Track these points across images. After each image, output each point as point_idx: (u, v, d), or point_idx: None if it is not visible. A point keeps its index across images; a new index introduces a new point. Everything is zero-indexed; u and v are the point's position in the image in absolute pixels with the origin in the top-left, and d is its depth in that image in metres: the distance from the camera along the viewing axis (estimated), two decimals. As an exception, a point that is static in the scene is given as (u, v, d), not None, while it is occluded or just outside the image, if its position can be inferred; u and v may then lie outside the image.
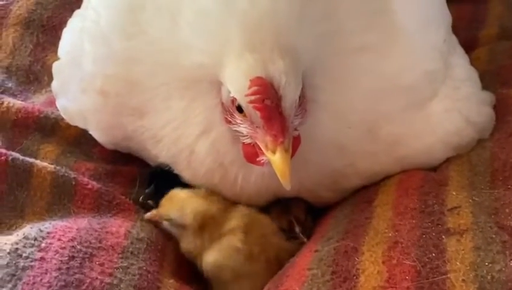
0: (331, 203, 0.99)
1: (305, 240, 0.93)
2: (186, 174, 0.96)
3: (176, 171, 0.98)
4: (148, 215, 0.95)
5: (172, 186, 0.97)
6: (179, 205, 0.94)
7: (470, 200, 0.85)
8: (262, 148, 0.82)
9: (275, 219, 0.96)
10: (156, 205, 0.97)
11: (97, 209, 0.94)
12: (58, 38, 1.18)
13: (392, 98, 0.91)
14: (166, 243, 0.93)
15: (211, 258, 0.91)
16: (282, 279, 0.84)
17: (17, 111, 1.05)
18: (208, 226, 0.93)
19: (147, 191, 1.01)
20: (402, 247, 0.79)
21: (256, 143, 0.84)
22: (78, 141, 1.08)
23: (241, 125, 0.84)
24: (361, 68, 0.89)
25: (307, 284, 0.79)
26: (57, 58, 1.16)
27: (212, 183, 0.94)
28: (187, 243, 0.94)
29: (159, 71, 0.90)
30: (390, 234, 0.82)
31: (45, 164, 0.95)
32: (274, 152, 0.79)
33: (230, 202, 0.96)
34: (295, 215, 0.96)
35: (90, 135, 1.06)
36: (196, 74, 0.87)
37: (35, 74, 1.18)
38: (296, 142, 0.84)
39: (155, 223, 0.95)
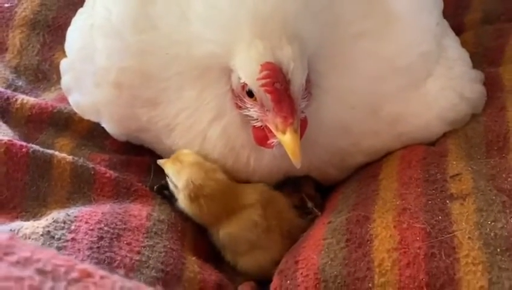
0: (337, 181, 1.05)
1: (319, 213, 0.98)
2: None
3: None
4: (160, 161, 1.01)
5: None
6: (177, 166, 0.97)
7: (469, 168, 0.91)
8: (273, 130, 0.87)
9: (288, 197, 1.01)
10: (171, 194, 1.01)
11: (116, 196, 0.98)
12: (64, 37, 1.21)
13: (391, 79, 0.98)
14: (184, 224, 0.97)
15: (230, 229, 0.95)
16: (299, 250, 0.89)
17: (31, 107, 1.08)
18: (199, 197, 0.95)
19: (163, 182, 1.04)
20: (410, 212, 0.84)
21: (266, 126, 0.89)
22: (91, 134, 1.11)
23: (251, 109, 0.89)
24: (360, 53, 0.95)
25: (324, 252, 0.84)
26: (64, 57, 1.20)
27: (225, 167, 0.98)
28: (183, 207, 0.96)
29: (171, 62, 0.95)
30: (397, 202, 0.88)
31: (64, 154, 0.98)
32: (284, 133, 0.85)
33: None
34: (306, 192, 1.02)
35: (102, 128, 1.10)
36: (207, 63, 0.92)
37: (44, 73, 1.22)
38: (304, 124, 0.90)
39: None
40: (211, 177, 0.95)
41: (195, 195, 0.94)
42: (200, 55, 0.91)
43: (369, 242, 0.82)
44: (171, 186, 0.99)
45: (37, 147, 0.97)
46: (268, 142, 0.90)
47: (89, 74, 1.04)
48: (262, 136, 0.91)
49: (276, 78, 0.83)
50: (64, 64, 1.12)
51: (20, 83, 1.18)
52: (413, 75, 0.99)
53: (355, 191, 0.97)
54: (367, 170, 1.01)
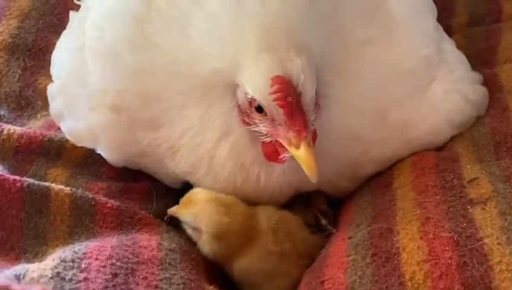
0: (347, 193, 1.02)
1: (333, 230, 0.95)
2: (206, 181, 0.96)
3: (193, 182, 0.98)
4: (170, 210, 0.95)
5: None
6: (193, 209, 0.92)
7: (484, 172, 0.90)
8: (285, 145, 0.84)
9: (299, 215, 0.98)
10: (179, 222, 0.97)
11: (120, 227, 0.92)
12: (46, 61, 1.15)
13: (397, 84, 0.97)
14: (196, 252, 0.92)
15: (243, 264, 0.91)
16: (322, 270, 0.85)
17: (19, 137, 1.01)
18: (226, 234, 0.92)
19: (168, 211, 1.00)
20: (434, 221, 0.83)
21: (276, 141, 0.86)
22: (86, 162, 1.05)
23: (260, 125, 0.86)
24: (365, 60, 0.94)
25: (350, 270, 0.81)
26: (49, 82, 1.14)
27: (234, 186, 0.94)
28: (205, 247, 0.92)
29: (173, 82, 0.90)
30: (418, 212, 0.86)
31: (61, 186, 0.92)
32: (298, 147, 0.82)
33: (249, 205, 0.97)
34: (318, 207, 0.99)
35: (96, 155, 1.04)
36: (211, 80, 0.88)
37: (28, 100, 1.14)
38: (314, 136, 0.87)
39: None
40: (235, 211, 0.92)
41: (222, 233, 0.90)
42: (204, 72, 0.87)
43: (396, 256, 0.80)
44: (189, 231, 0.93)
45: (31, 180, 0.90)
46: (280, 157, 0.87)
47: (82, 98, 0.98)
48: (272, 152, 0.88)
49: (288, 92, 0.80)
50: (52, 89, 1.06)
51: (2, 112, 1.10)
52: (417, 79, 0.98)
53: (370, 203, 0.94)
54: (379, 180, 0.98)
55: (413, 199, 0.89)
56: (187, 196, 0.95)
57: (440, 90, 1.00)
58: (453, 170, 0.92)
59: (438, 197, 0.87)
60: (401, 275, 0.77)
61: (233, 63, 0.84)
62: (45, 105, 1.12)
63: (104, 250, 0.81)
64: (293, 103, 0.81)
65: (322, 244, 0.94)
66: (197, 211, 0.92)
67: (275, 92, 0.80)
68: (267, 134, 0.87)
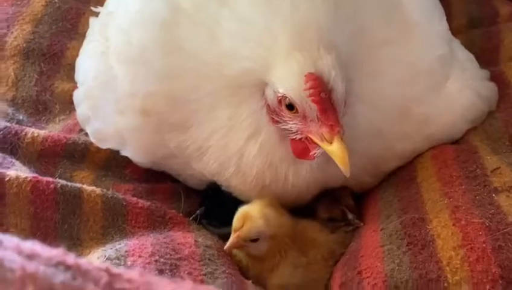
0: (370, 188, 1.05)
1: (361, 224, 0.97)
2: (234, 181, 0.97)
3: (220, 182, 0.99)
4: (228, 246, 0.89)
5: (222, 206, 0.98)
6: (261, 217, 0.91)
7: (504, 161, 0.95)
8: (317, 141, 0.86)
9: (326, 211, 1.00)
10: (209, 224, 0.98)
11: (152, 226, 0.92)
12: (61, 65, 1.15)
13: (416, 82, 1.00)
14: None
15: (276, 281, 0.92)
16: (358, 260, 0.87)
17: (43, 140, 1.00)
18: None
19: (198, 211, 1.00)
20: (464, 209, 0.86)
21: (306, 138, 0.88)
22: (109, 164, 1.05)
23: (290, 122, 0.88)
24: (385, 60, 0.97)
25: (387, 259, 0.84)
26: (65, 86, 1.13)
27: (263, 185, 0.96)
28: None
29: (201, 83, 0.92)
30: (446, 201, 0.89)
31: (92, 187, 0.92)
32: (331, 142, 0.84)
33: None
34: (345, 203, 1.01)
35: (120, 157, 1.04)
36: (240, 81, 0.90)
37: (45, 104, 1.13)
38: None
39: (239, 247, 0.91)
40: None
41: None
42: (233, 73, 0.89)
43: (431, 243, 0.83)
44: (259, 250, 0.92)
45: (64, 182, 0.90)
46: (310, 153, 0.89)
47: (109, 102, 0.98)
48: (302, 149, 0.90)
49: (321, 88, 0.83)
50: (77, 95, 1.06)
51: (20, 117, 1.09)
52: (434, 77, 1.03)
53: (395, 196, 0.97)
54: (401, 174, 1.02)
55: (439, 190, 0.92)
56: (239, 217, 0.91)
57: (454, 87, 1.04)
58: (474, 161, 0.96)
59: (463, 187, 0.91)
60: (439, 260, 0.80)
61: (263, 62, 0.86)
62: (63, 109, 1.12)
63: (145, 248, 0.82)
64: (326, 99, 0.83)
65: (342, 240, 0.97)
66: (265, 219, 0.91)
67: (309, 89, 0.83)
68: (297, 131, 0.88)
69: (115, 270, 0.45)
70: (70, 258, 0.42)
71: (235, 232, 0.90)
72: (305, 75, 0.83)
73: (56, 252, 0.43)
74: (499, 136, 1.04)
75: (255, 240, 0.91)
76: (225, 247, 0.90)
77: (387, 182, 1.03)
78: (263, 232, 0.91)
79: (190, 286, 0.45)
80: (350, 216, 0.99)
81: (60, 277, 0.40)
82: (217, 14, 0.90)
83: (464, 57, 1.12)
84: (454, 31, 1.40)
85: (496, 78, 1.15)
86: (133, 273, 0.45)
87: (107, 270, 0.44)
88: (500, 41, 1.27)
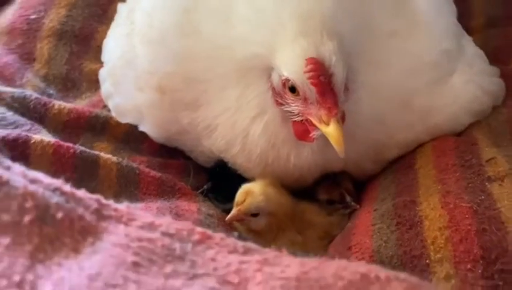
0: (371, 175, 1.09)
1: (357, 207, 1.01)
2: (240, 158, 1.03)
3: (227, 159, 1.05)
4: (229, 217, 0.95)
5: (227, 183, 1.03)
6: (261, 195, 0.97)
7: (501, 153, 0.97)
8: (315, 123, 0.91)
9: (325, 193, 1.05)
10: (215, 198, 1.04)
11: (162, 194, 0.99)
12: (91, 47, 1.24)
13: (421, 73, 1.04)
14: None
15: None
16: (349, 237, 0.92)
17: (69, 112, 1.10)
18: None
19: (205, 186, 1.07)
20: (454, 194, 0.89)
21: (307, 120, 0.93)
22: (128, 138, 1.13)
23: (292, 104, 0.93)
24: (392, 50, 1.01)
25: (376, 236, 0.88)
26: (93, 66, 1.23)
27: (266, 164, 1.01)
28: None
29: (214, 65, 0.98)
30: (439, 187, 0.92)
31: (109, 155, 1.00)
32: (328, 124, 0.89)
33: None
34: (345, 187, 1.05)
35: (138, 132, 1.12)
36: (250, 64, 0.96)
37: (73, 81, 1.23)
38: (342, 118, 0.94)
39: (240, 220, 0.97)
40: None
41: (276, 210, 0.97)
42: (244, 57, 0.95)
43: (419, 223, 0.86)
44: (259, 224, 0.97)
45: (83, 148, 0.98)
46: (310, 135, 0.94)
47: (130, 79, 1.06)
48: (302, 131, 0.95)
49: (321, 72, 0.87)
50: (102, 72, 1.15)
51: (50, 92, 1.20)
52: (438, 70, 1.05)
53: (393, 181, 1.01)
54: (402, 162, 1.05)
55: (434, 176, 0.96)
56: (242, 192, 0.97)
57: (459, 81, 1.07)
58: (472, 151, 0.99)
59: (457, 174, 0.94)
60: (424, 239, 0.84)
61: (271, 47, 0.91)
62: (89, 87, 1.21)
63: (150, 209, 0.89)
64: (325, 83, 0.88)
65: (338, 222, 1.01)
66: (265, 196, 0.96)
67: (308, 71, 0.88)
68: (298, 113, 0.93)
69: (105, 201, 0.52)
70: (67, 187, 0.49)
71: (237, 206, 0.96)
72: (306, 59, 0.88)
73: (55, 181, 0.50)
74: (502, 131, 1.06)
75: (255, 215, 0.97)
76: (226, 218, 0.96)
77: (387, 170, 1.06)
78: (263, 207, 0.96)
79: (169, 220, 0.51)
80: (348, 199, 1.03)
81: (56, 198, 0.48)
82: (232, 1, 0.97)
83: (473, 52, 1.14)
84: (472, 30, 1.43)
85: (506, 75, 1.17)
86: (120, 205, 0.52)
87: (97, 200, 0.51)
88: (513, 41, 1.28)
